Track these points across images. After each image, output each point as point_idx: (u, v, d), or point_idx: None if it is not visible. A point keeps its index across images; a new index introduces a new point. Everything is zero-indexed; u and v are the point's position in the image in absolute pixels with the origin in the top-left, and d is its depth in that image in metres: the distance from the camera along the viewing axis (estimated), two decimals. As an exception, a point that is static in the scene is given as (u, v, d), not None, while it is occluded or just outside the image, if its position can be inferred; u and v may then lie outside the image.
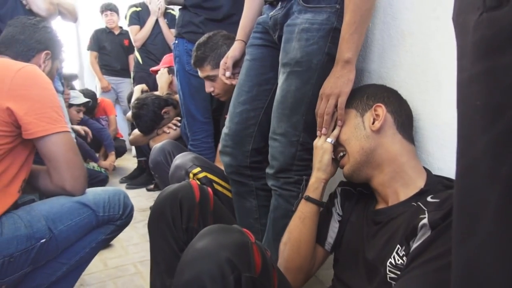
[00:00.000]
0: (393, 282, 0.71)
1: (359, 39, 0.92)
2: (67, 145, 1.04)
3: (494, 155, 0.32)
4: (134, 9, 3.29)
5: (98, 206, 1.11)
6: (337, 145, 0.94)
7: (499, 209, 0.32)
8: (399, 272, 0.70)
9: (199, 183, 1.38)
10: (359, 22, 0.91)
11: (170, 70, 2.36)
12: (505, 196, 0.32)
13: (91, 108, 3.31)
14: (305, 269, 0.94)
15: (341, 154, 0.93)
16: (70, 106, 2.86)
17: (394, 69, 1.03)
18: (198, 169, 1.42)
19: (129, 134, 2.68)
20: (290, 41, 1.03)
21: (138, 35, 3.22)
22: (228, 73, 1.32)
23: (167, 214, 0.91)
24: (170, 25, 3.16)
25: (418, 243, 0.67)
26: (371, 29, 1.09)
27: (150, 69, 2.64)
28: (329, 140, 0.94)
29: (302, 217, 0.94)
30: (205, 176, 1.41)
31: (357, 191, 0.96)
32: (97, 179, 1.85)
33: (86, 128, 2.96)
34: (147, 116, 2.11)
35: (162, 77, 2.41)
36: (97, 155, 3.26)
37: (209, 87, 1.56)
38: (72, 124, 2.73)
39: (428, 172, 0.84)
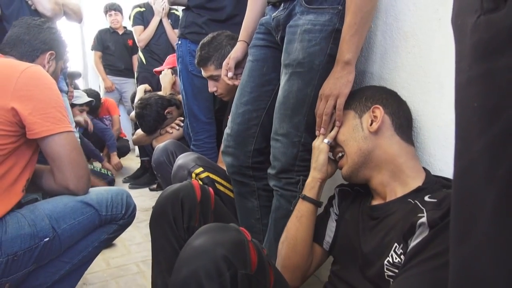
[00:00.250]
0: (391, 280, 0.72)
1: (359, 41, 0.93)
2: (71, 145, 1.05)
3: (491, 157, 0.33)
4: (138, 9, 3.31)
5: (101, 206, 1.12)
6: (336, 146, 0.95)
7: (496, 210, 0.32)
8: (396, 270, 0.71)
9: (201, 183, 1.39)
10: (359, 24, 0.91)
11: (174, 71, 2.37)
12: (502, 197, 0.32)
13: (94, 108, 3.32)
14: (302, 267, 0.95)
15: (340, 155, 0.94)
16: (73, 106, 2.87)
17: (396, 70, 1.03)
18: (201, 169, 1.42)
19: (133, 134, 2.70)
20: (292, 42, 1.03)
21: (142, 36, 3.24)
22: (230, 74, 1.32)
23: (169, 213, 0.92)
24: (174, 25, 3.17)
25: (416, 241, 0.67)
26: (373, 30, 1.09)
27: (154, 69, 2.65)
28: (325, 140, 0.95)
29: (299, 215, 0.95)
30: (207, 176, 1.42)
31: (354, 190, 0.97)
32: (104, 181, 1.86)
33: (86, 117, 2.95)
34: (150, 116, 2.12)
35: (166, 78, 2.42)
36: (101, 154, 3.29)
37: (212, 87, 1.57)
38: (75, 124, 2.74)
39: (427, 172, 0.85)
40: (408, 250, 0.69)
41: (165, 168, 1.75)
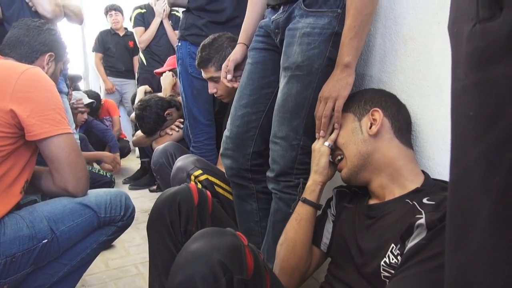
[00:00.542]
0: (387, 280, 0.72)
1: (359, 44, 0.93)
2: (70, 147, 1.05)
3: (487, 165, 0.33)
4: (139, 10, 3.31)
5: (100, 207, 1.12)
6: (335, 149, 0.96)
7: (491, 218, 0.32)
8: (393, 271, 0.71)
9: (200, 185, 1.39)
10: (359, 27, 0.92)
11: (174, 72, 2.38)
12: (497, 205, 0.32)
13: (95, 109, 3.33)
14: (300, 269, 0.95)
15: (339, 157, 0.94)
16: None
17: (395, 73, 1.03)
18: (200, 171, 1.42)
19: (133, 135, 2.70)
20: (291, 45, 1.03)
21: (143, 37, 3.24)
22: (229, 76, 1.33)
23: (166, 217, 0.92)
24: (175, 26, 3.18)
25: (414, 242, 0.68)
26: (372, 33, 1.09)
27: (154, 71, 2.65)
28: (326, 143, 0.95)
29: (298, 218, 0.95)
30: (207, 179, 1.42)
31: (351, 191, 0.97)
32: (100, 182, 1.86)
33: (80, 100, 2.91)
34: (150, 118, 2.12)
35: (166, 79, 2.43)
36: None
37: (212, 89, 1.57)
38: (76, 125, 2.74)
39: (426, 175, 0.85)
40: (405, 251, 0.69)
41: (164, 170, 1.75)
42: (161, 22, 3.21)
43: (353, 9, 0.92)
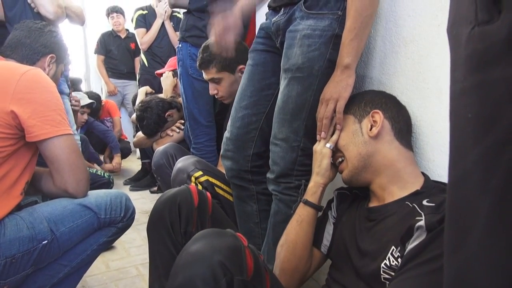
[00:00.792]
0: (387, 282, 0.72)
1: (359, 45, 0.93)
2: (70, 148, 1.05)
3: (485, 167, 0.33)
4: (140, 12, 3.32)
5: (100, 209, 1.12)
6: (336, 151, 0.96)
7: (489, 220, 0.33)
8: (393, 273, 0.71)
9: (200, 186, 1.39)
10: (359, 28, 0.92)
11: (175, 73, 2.38)
12: (495, 207, 0.32)
13: (95, 110, 3.33)
14: (301, 270, 0.95)
15: (340, 159, 0.94)
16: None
17: (395, 75, 1.03)
18: (200, 172, 1.42)
19: (134, 136, 2.70)
20: (292, 47, 1.03)
21: (144, 38, 3.25)
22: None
23: (166, 218, 0.93)
24: (176, 28, 3.18)
25: (414, 244, 0.68)
26: (373, 35, 1.10)
27: (155, 72, 2.66)
28: (328, 145, 0.95)
29: (300, 220, 0.95)
30: (207, 180, 1.42)
31: (352, 193, 0.97)
32: (98, 183, 1.86)
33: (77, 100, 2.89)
34: (151, 119, 2.13)
35: (167, 80, 2.43)
36: (101, 157, 3.29)
37: (213, 90, 1.58)
38: (77, 126, 2.74)
39: (426, 177, 0.85)
40: (405, 253, 0.69)
41: (165, 171, 1.75)
42: (163, 24, 3.22)
43: (354, 11, 0.92)
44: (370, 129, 0.87)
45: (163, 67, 2.66)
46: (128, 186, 2.97)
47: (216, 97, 1.61)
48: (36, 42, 1.27)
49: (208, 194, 0.99)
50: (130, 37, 3.85)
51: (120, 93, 4.00)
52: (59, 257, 1.08)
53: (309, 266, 0.97)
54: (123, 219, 1.17)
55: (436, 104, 0.92)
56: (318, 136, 0.98)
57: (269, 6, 1.16)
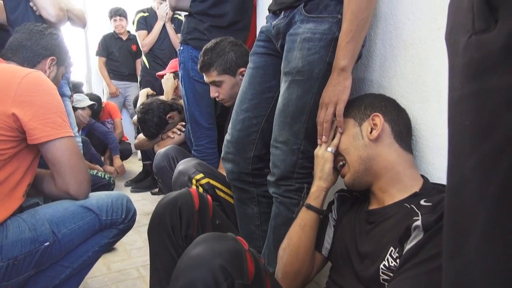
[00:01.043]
0: (386, 284, 0.72)
1: (355, 48, 0.93)
2: (71, 150, 1.06)
3: (482, 174, 0.33)
4: (141, 14, 3.33)
5: (101, 210, 1.13)
6: (337, 154, 0.96)
7: (487, 226, 0.33)
8: (392, 274, 0.71)
9: (201, 189, 1.40)
10: (355, 31, 0.92)
11: (176, 75, 2.38)
12: (493, 213, 0.32)
13: (96, 112, 3.34)
14: (303, 273, 0.95)
15: (341, 163, 0.95)
16: (75, 110, 2.88)
17: (395, 78, 1.04)
18: (201, 175, 1.43)
19: (135, 138, 2.71)
20: (292, 50, 1.04)
21: (145, 40, 3.26)
22: None
23: (167, 221, 0.93)
24: (177, 30, 3.19)
25: (411, 244, 0.68)
26: (372, 38, 1.10)
27: (157, 73, 2.66)
28: (329, 149, 0.95)
29: (302, 224, 0.95)
30: (208, 182, 1.42)
31: (352, 196, 0.98)
32: (98, 184, 1.86)
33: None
34: (152, 121, 2.13)
35: (168, 82, 2.44)
36: (102, 158, 3.29)
37: (214, 93, 1.58)
38: (78, 128, 2.75)
39: (425, 179, 0.86)
40: (403, 253, 0.69)
41: (166, 174, 1.75)
42: (164, 26, 3.23)
43: (350, 14, 0.93)
44: (371, 132, 0.88)
45: (164, 69, 2.67)
46: (130, 188, 2.98)
47: (217, 99, 1.61)
48: (37, 44, 1.27)
49: (209, 197, 1.00)
50: (132, 39, 3.86)
51: (122, 94, 4.01)
52: (60, 259, 1.09)
53: (311, 270, 0.97)
54: (124, 220, 1.18)
55: (436, 107, 0.92)
56: (319, 140, 0.98)
57: (269, 10, 1.17)
